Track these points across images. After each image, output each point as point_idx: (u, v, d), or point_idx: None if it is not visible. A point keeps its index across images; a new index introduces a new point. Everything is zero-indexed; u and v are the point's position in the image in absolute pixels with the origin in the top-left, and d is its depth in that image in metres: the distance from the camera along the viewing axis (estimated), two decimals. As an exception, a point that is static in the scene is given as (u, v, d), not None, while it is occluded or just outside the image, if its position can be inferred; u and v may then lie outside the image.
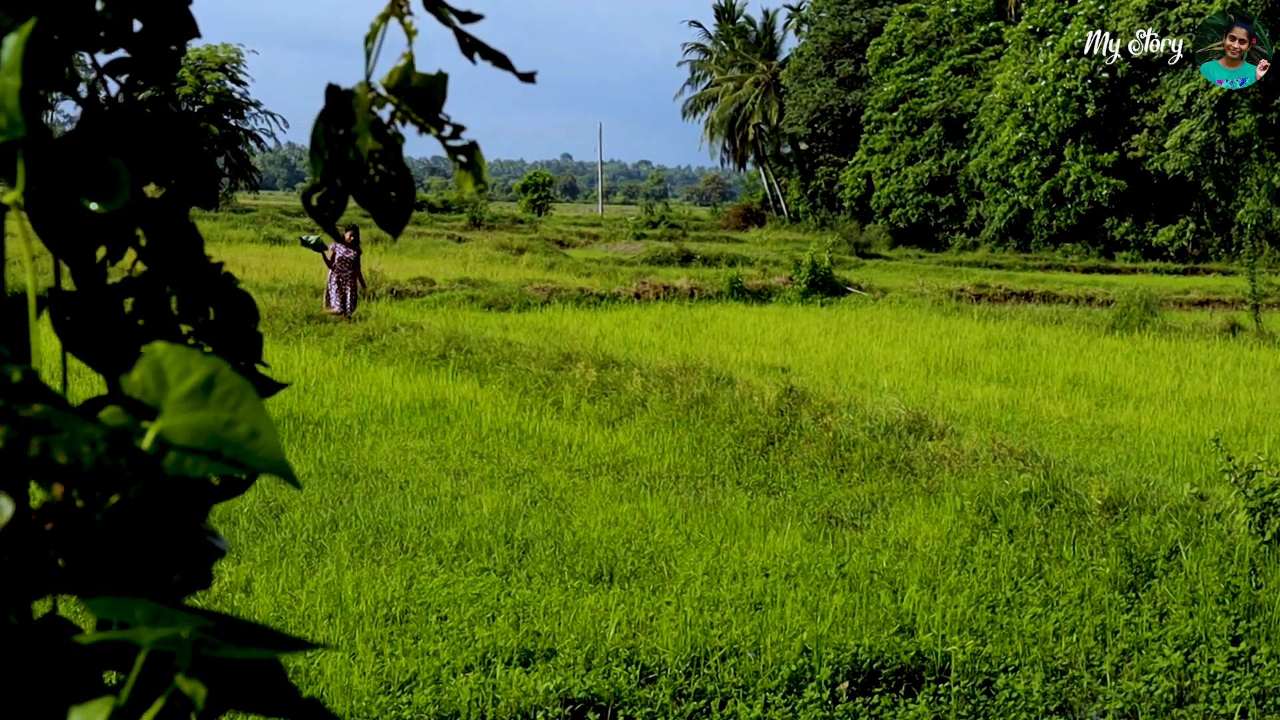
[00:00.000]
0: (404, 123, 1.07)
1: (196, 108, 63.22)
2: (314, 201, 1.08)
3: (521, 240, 42.12)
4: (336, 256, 20.26)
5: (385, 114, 1.07)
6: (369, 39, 1.04)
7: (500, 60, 1.12)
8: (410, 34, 1.05)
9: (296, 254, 33.52)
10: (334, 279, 20.33)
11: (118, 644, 0.81)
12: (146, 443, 0.85)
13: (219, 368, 0.86)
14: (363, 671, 6.28)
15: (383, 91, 1.06)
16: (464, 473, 10.80)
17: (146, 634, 0.78)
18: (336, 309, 20.12)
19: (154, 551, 0.88)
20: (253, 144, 68.62)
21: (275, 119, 72.74)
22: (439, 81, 1.07)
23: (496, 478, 10.64)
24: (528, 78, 1.16)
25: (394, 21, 1.04)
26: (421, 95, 1.07)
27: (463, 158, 1.11)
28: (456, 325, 19.82)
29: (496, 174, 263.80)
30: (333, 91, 1.05)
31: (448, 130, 1.10)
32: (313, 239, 20.39)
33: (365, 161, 1.06)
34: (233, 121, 66.07)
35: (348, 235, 20.38)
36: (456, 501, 9.75)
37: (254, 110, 67.29)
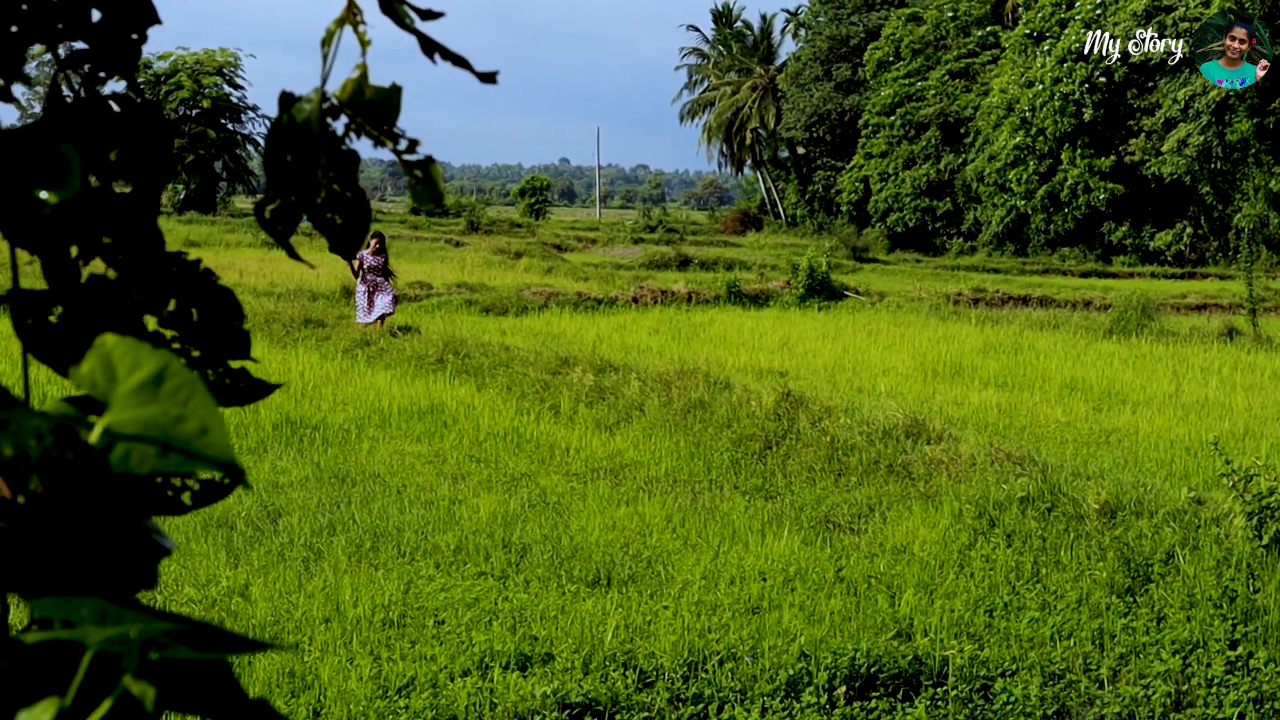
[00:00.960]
0: (358, 135, 1.04)
1: (194, 111, 63.21)
2: (267, 214, 1.05)
3: (519, 244, 42.07)
4: (365, 265, 19.80)
5: (340, 127, 1.04)
6: (324, 43, 1.00)
7: (459, 61, 1.09)
8: (364, 43, 1.02)
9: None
10: (363, 289, 19.89)
11: (66, 643, 0.80)
12: (94, 436, 0.84)
13: (169, 361, 0.84)
14: (360, 676, 6.27)
15: (336, 102, 1.03)
16: (461, 477, 10.80)
17: (94, 633, 0.77)
18: (371, 319, 19.58)
19: (99, 548, 0.86)
20: (250, 148, 68.56)
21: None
22: (393, 94, 1.04)
23: (494, 482, 10.64)
24: (488, 78, 1.13)
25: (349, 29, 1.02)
26: (375, 108, 1.04)
27: (418, 172, 1.08)
28: (454, 329, 19.82)
29: (494, 178, 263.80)
30: (287, 98, 1.02)
31: (403, 144, 1.06)
32: None
33: (319, 178, 1.03)
34: (230, 126, 66.02)
35: (373, 242, 19.92)
36: (454, 506, 9.74)
37: (252, 114, 67.24)
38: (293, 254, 1.09)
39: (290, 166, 1.03)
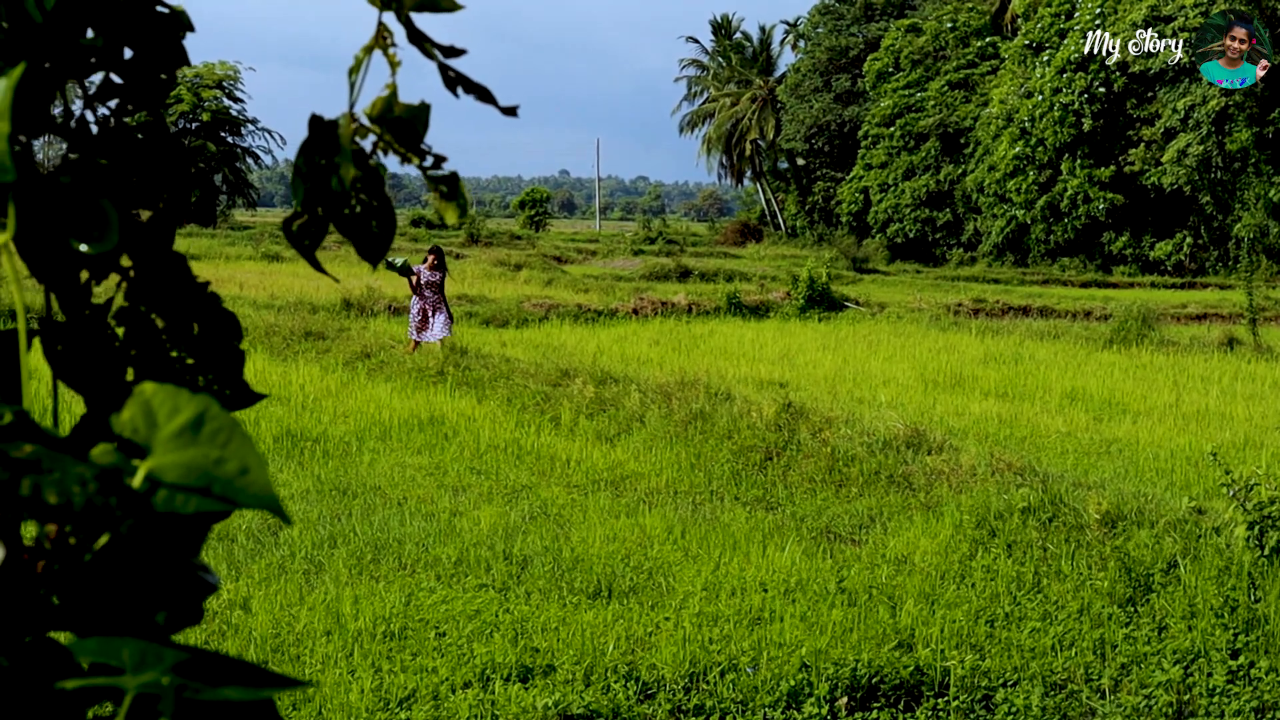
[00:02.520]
0: (386, 153, 1.07)
1: (194, 125, 63.29)
2: (294, 229, 1.08)
3: (519, 256, 42.12)
4: (422, 280, 18.74)
5: (368, 144, 1.06)
6: (353, 70, 1.03)
7: (483, 94, 1.12)
8: (394, 65, 1.05)
9: (294, 271, 33.52)
10: (417, 305, 18.79)
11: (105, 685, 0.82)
12: (137, 481, 0.86)
13: (208, 406, 0.87)
14: (361, 688, 6.27)
15: (366, 122, 1.06)
16: (462, 489, 10.79)
17: (130, 680, 0.79)
18: (426, 338, 18.61)
19: (145, 588, 0.88)
20: (250, 161, 68.69)
21: (273, 136, 72.94)
22: (421, 112, 1.07)
23: (495, 494, 10.63)
24: (510, 111, 1.16)
25: (378, 52, 1.05)
26: (404, 125, 1.06)
27: (444, 188, 1.11)
28: (454, 341, 19.82)
29: (494, 190, 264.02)
30: (316, 121, 1.05)
31: (429, 160, 1.09)
32: (399, 261, 18.77)
33: (347, 191, 1.06)
34: (230, 139, 66.15)
35: (430, 258, 18.99)
36: (455, 518, 9.74)
37: (251, 127, 67.37)
38: (318, 266, 1.11)
39: (319, 184, 1.05)
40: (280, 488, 10.62)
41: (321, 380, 16.11)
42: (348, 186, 1.06)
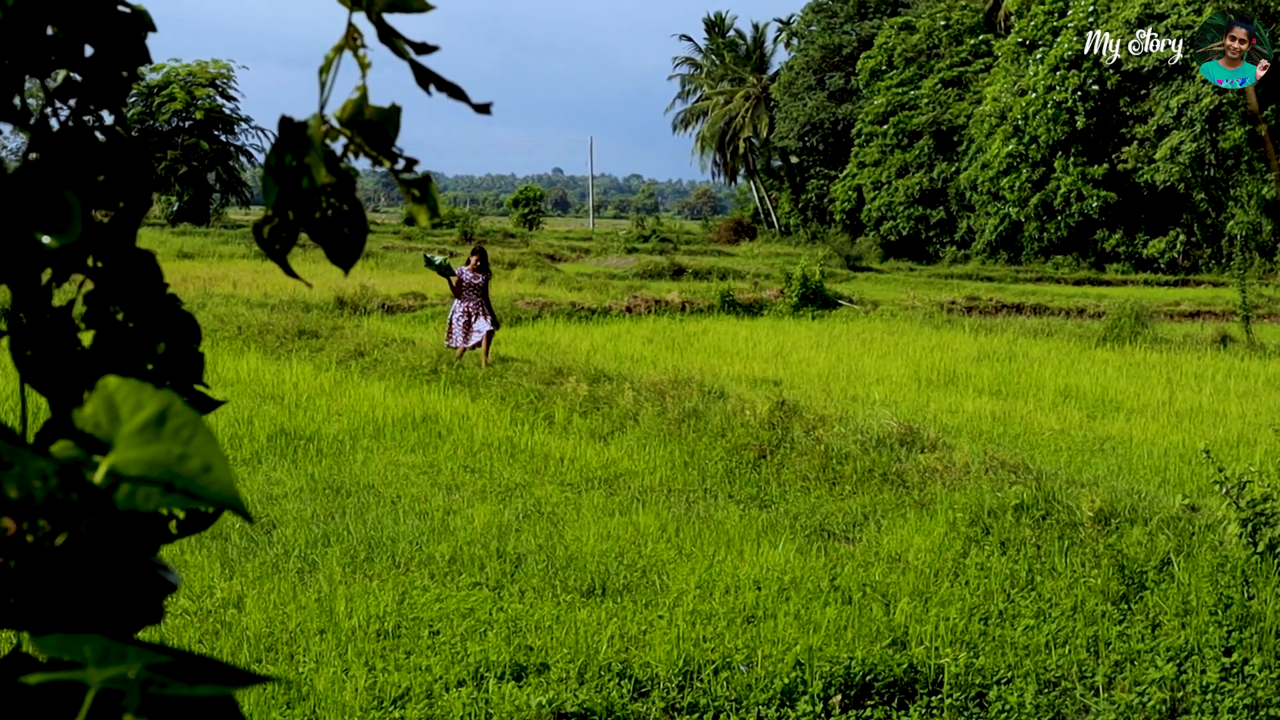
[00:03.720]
0: (357, 155, 1.06)
1: (187, 123, 63.18)
2: (265, 233, 1.07)
3: (513, 255, 42.08)
4: (464, 282, 17.53)
5: (338, 147, 1.06)
6: (323, 70, 1.03)
7: (455, 91, 1.11)
8: (364, 66, 1.04)
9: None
10: (459, 308, 17.52)
11: (69, 681, 0.81)
12: (99, 476, 0.85)
13: (171, 402, 0.86)
14: (355, 687, 6.27)
15: (336, 124, 1.05)
16: (456, 487, 10.79)
17: (94, 674, 0.79)
18: (464, 344, 17.37)
19: (105, 586, 0.87)
20: (244, 159, 68.54)
21: (266, 134, 72.71)
22: (392, 114, 1.06)
23: (488, 492, 10.63)
24: (483, 109, 1.15)
25: (349, 52, 1.04)
26: (375, 128, 1.06)
27: (416, 191, 1.10)
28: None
29: (488, 188, 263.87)
30: (286, 123, 1.04)
31: (401, 164, 1.08)
32: (438, 259, 17.63)
33: (318, 195, 1.05)
34: (223, 137, 65.98)
35: (473, 259, 17.84)
36: (448, 516, 9.74)
37: (245, 126, 67.21)
38: (289, 271, 1.10)
39: (290, 187, 1.04)
40: (273, 486, 10.62)
41: (315, 379, 16.09)
42: (318, 190, 1.05)
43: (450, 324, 17.69)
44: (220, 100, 65.36)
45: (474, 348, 17.37)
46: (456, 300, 17.64)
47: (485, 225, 67.55)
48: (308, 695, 6.21)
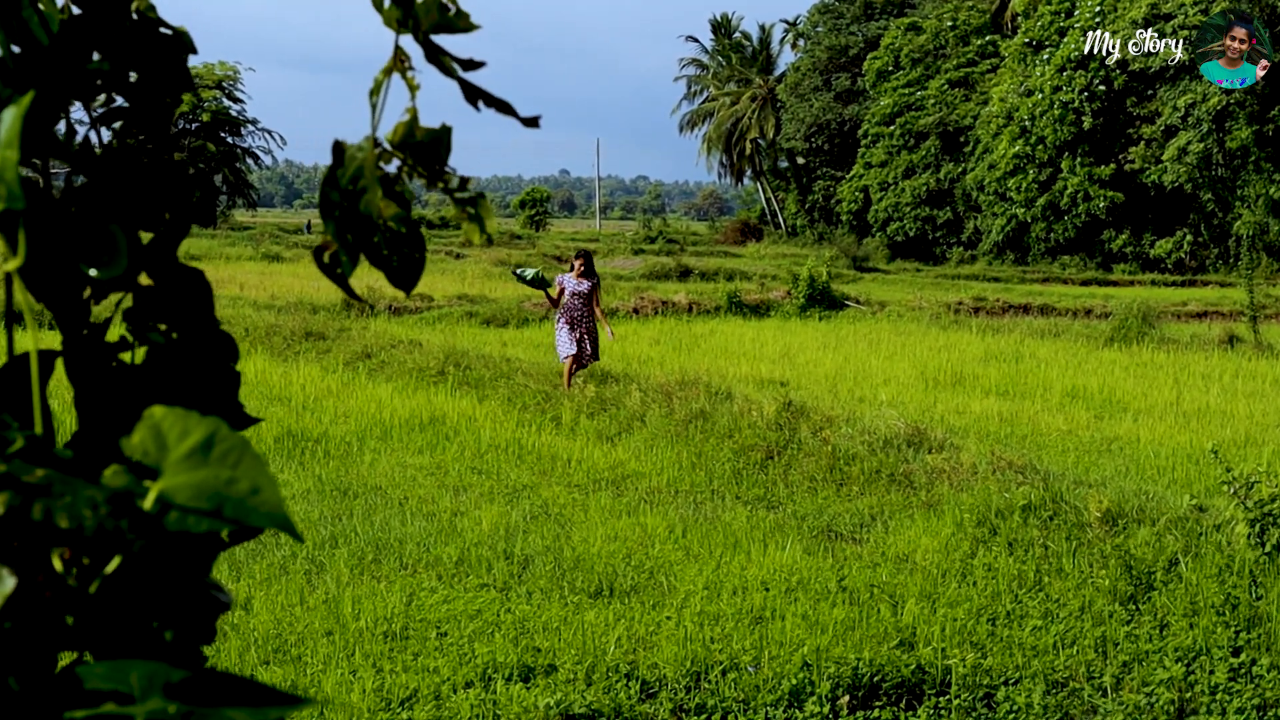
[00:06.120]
0: (411, 177, 1.07)
1: (194, 125, 63.28)
2: (325, 259, 1.08)
3: (520, 256, 42.12)
4: (566, 291, 15.60)
5: (392, 169, 1.06)
6: (373, 93, 1.03)
7: (503, 107, 1.12)
8: (413, 88, 1.05)
9: (294, 271, 33.54)
10: (562, 320, 15.58)
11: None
12: (148, 503, 0.87)
13: (218, 427, 0.88)
14: (363, 688, 6.27)
15: (388, 146, 1.06)
16: (463, 489, 10.79)
17: (137, 709, 0.80)
18: (571, 356, 15.49)
19: (158, 608, 0.89)
20: (250, 161, 68.67)
21: (273, 136, 72.90)
22: (444, 135, 1.07)
23: (496, 494, 10.63)
24: (531, 122, 1.16)
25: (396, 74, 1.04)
26: (427, 150, 1.07)
27: (470, 209, 1.11)
28: (455, 341, 19.83)
29: (495, 190, 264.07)
30: (339, 148, 1.05)
31: (455, 182, 1.09)
32: (529, 273, 15.87)
33: (375, 219, 1.06)
34: (230, 139, 66.14)
35: (578, 264, 15.79)
36: (456, 518, 9.74)
37: (251, 128, 67.36)
38: (352, 294, 1.11)
39: (348, 212, 1.05)
40: (281, 488, 10.60)
41: (322, 380, 16.11)
42: (375, 214, 1.05)
43: (558, 336, 15.72)
44: (227, 102, 65.52)
45: (581, 361, 15.64)
46: (559, 315, 15.64)
47: (492, 227, 67.46)
48: (315, 698, 6.21)
